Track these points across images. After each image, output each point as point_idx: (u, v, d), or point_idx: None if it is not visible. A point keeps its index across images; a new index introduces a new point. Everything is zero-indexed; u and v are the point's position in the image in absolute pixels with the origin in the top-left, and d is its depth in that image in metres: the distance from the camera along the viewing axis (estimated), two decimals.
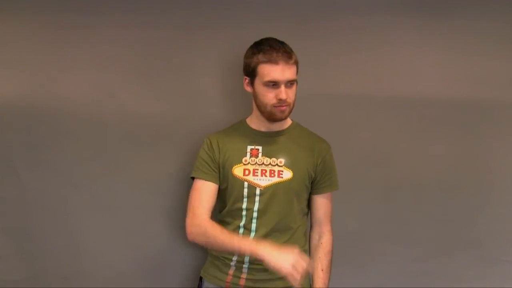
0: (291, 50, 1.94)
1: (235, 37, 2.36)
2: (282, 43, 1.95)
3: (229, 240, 1.85)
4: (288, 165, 1.98)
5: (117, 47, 2.46)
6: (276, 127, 2.04)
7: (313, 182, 2.05)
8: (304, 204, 2.07)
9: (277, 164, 1.98)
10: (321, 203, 2.06)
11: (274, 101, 1.93)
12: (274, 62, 1.89)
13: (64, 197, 2.49)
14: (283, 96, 1.90)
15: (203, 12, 2.43)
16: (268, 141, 2.02)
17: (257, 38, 2.01)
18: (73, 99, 2.46)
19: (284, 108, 1.94)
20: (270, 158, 1.99)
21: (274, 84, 1.91)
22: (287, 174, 1.96)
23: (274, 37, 2.01)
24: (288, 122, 2.09)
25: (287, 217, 1.98)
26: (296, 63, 1.94)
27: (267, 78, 1.90)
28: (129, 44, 2.46)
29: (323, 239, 2.05)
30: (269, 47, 1.91)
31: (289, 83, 1.92)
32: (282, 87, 1.91)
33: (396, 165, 2.45)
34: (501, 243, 2.45)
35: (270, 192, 1.97)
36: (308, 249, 2.12)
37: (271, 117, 1.99)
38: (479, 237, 2.45)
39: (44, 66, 2.46)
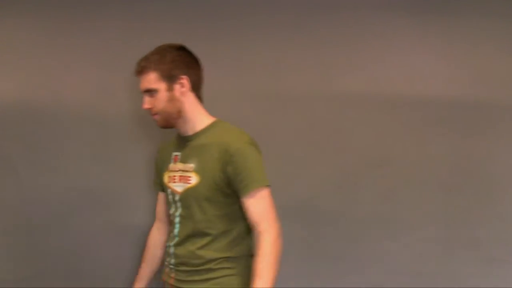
0: (154, 62, 1.91)
1: (236, 37, 2.36)
2: (154, 52, 1.93)
3: None
4: (196, 170, 1.92)
5: (117, 47, 2.46)
6: (189, 131, 1.98)
7: (232, 184, 1.92)
8: (229, 209, 1.95)
9: (187, 170, 1.94)
10: (249, 204, 1.90)
11: None
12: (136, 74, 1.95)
13: (64, 197, 2.49)
14: (143, 105, 1.94)
15: (203, 13, 2.43)
16: (184, 146, 1.99)
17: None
18: (73, 99, 2.46)
19: (154, 117, 1.95)
20: (184, 164, 1.95)
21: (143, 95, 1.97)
22: (194, 180, 1.91)
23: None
24: (204, 123, 2.00)
25: (201, 223, 1.92)
26: (158, 71, 1.90)
27: None
28: (130, 44, 2.46)
29: (259, 241, 1.89)
30: None
31: (151, 92, 1.91)
32: (145, 97, 1.94)
33: (396, 165, 2.45)
34: (501, 243, 2.44)
35: (184, 198, 1.95)
36: (236, 256, 1.97)
37: None
38: (479, 237, 2.44)
39: (44, 66, 2.46)
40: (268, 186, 1.88)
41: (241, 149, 1.89)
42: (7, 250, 2.51)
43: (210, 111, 2.46)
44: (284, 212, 2.47)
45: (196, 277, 1.89)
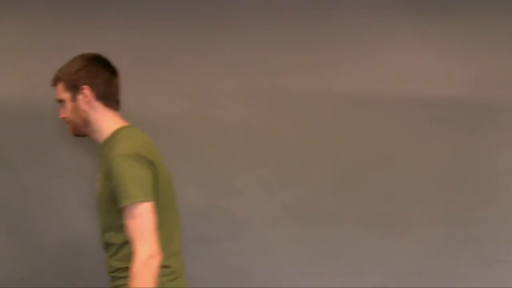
0: (62, 73, 1.97)
1: (236, 36, 2.36)
2: (66, 63, 1.98)
3: None
4: (99, 179, 1.96)
5: (117, 47, 2.46)
6: (99, 140, 2.00)
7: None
8: None
9: (97, 180, 1.99)
10: (125, 220, 1.86)
11: None
12: None
13: (64, 197, 2.50)
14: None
15: (202, 13, 2.43)
16: (100, 155, 2.00)
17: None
18: None
19: (67, 126, 2.00)
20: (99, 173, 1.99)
21: None
22: (98, 189, 1.95)
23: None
24: (110, 131, 1.99)
25: (106, 232, 1.94)
26: (64, 81, 1.95)
27: None
28: (130, 44, 2.46)
29: (132, 260, 1.83)
30: None
31: (61, 102, 1.98)
32: (60, 107, 2.00)
33: (396, 165, 2.45)
34: (501, 243, 2.45)
35: (97, 208, 1.99)
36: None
37: None
38: (479, 237, 2.44)
39: (44, 66, 2.46)
40: (145, 201, 1.80)
41: (116, 161, 1.84)
42: (7, 250, 2.51)
43: (209, 110, 2.47)
44: (284, 212, 2.48)
45: (111, 284, 1.92)
